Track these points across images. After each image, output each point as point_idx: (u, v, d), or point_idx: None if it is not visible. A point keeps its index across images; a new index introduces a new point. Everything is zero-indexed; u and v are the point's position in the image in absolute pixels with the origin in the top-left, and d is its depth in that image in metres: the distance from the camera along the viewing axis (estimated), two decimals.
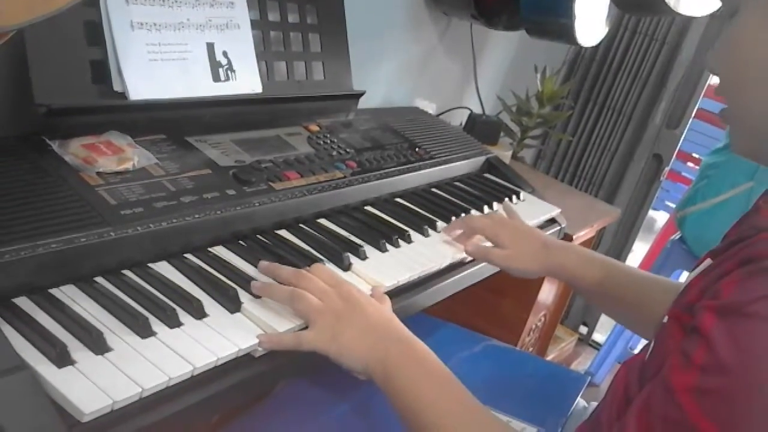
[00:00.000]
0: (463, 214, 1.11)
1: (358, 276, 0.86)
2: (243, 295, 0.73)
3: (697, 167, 2.42)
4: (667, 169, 2.34)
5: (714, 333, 0.51)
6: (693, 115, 2.29)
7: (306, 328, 0.72)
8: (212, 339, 0.65)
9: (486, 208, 1.19)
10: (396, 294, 0.89)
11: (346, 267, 0.87)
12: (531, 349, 1.57)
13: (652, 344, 0.63)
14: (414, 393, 0.68)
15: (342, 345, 0.70)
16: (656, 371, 0.58)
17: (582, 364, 2.28)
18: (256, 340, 0.68)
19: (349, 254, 0.89)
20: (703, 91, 2.24)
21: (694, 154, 3.14)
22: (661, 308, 0.71)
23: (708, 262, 0.63)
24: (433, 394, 0.68)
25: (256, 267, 0.80)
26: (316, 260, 0.85)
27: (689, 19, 2.11)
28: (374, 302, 0.75)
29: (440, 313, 1.08)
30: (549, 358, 1.79)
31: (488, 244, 1.01)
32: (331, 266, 0.86)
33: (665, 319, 0.62)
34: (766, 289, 0.50)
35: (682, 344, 0.54)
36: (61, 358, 0.57)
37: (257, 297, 0.74)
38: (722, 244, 0.63)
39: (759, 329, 0.49)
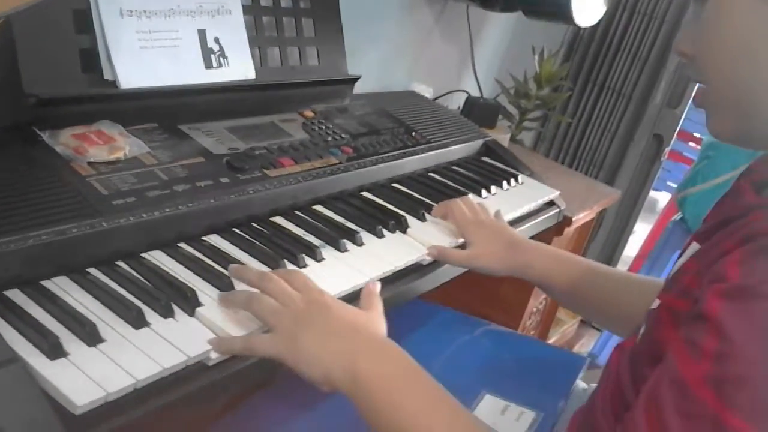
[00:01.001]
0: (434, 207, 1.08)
1: (354, 261, 0.86)
2: (238, 284, 0.73)
3: (698, 147, 2.41)
4: (667, 149, 2.32)
5: (725, 317, 0.48)
6: (693, 94, 2.27)
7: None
8: (207, 327, 0.65)
9: (484, 192, 1.18)
10: (393, 280, 0.88)
11: (342, 252, 0.87)
12: (533, 332, 1.56)
13: (642, 328, 0.62)
14: (391, 404, 0.60)
15: (299, 350, 0.63)
16: (647, 355, 0.57)
17: (585, 346, 2.28)
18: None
19: (346, 240, 0.89)
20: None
21: (695, 134, 3.11)
22: (640, 309, 0.70)
23: (695, 246, 0.62)
24: (414, 405, 0.60)
25: (251, 255, 0.80)
26: (311, 246, 0.84)
27: None
28: (348, 308, 0.68)
29: (440, 299, 1.08)
30: (551, 341, 1.79)
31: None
32: (328, 251, 0.85)
33: (656, 304, 0.61)
34: None
35: (686, 333, 0.51)
36: (54, 350, 0.56)
37: (252, 288, 0.71)
38: (707, 226, 0.62)
39: None
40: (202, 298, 0.69)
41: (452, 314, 1.04)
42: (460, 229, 0.98)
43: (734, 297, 0.49)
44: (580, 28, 2.21)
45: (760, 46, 0.56)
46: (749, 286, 0.49)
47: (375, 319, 0.69)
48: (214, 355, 0.63)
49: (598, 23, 1.78)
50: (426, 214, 1.03)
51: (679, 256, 0.67)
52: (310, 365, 0.63)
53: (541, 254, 0.94)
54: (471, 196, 1.14)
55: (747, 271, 0.50)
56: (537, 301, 1.47)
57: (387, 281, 0.87)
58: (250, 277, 0.71)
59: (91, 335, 0.59)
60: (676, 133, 2.32)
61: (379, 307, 0.71)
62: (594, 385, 0.93)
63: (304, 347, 0.63)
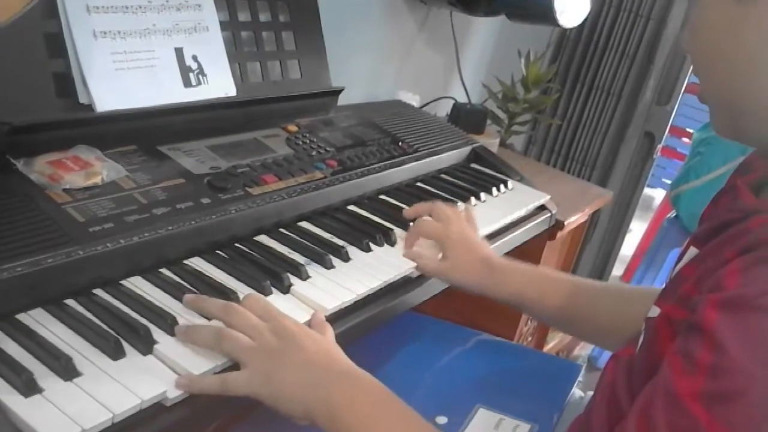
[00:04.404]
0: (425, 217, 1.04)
1: (341, 277, 0.84)
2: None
3: (690, 143, 2.39)
4: (659, 146, 2.32)
5: (720, 330, 0.47)
6: (683, 90, 2.27)
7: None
8: (187, 356, 0.63)
9: (473, 199, 1.17)
10: (383, 294, 0.87)
11: (329, 269, 0.85)
12: (530, 338, 1.55)
13: (641, 337, 0.60)
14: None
15: (277, 388, 0.62)
16: (646, 367, 0.56)
17: (585, 348, 2.27)
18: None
19: (332, 256, 0.87)
20: (692, 64, 2.21)
21: (688, 129, 3.11)
22: (629, 319, 0.68)
23: (693, 250, 0.60)
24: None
25: (234, 276, 0.78)
26: (296, 265, 0.82)
27: None
28: (313, 334, 0.67)
29: (433, 310, 1.06)
30: (550, 345, 1.77)
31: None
32: (314, 268, 0.84)
33: (655, 312, 0.60)
34: None
35: (681, 344, 0.50)
36: (28, 386, 0.55)
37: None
38: (704, 229, 0.60)
39: None
40: (182, 323, 0.67)
41: (444, 326, 1.02)
42: (437, 242, 0.94)
43: (731, 308, 0.47)
44: (565, 29, 2.21)
45: (737, 47, 0.56)
46: (747, 297, 0.47)
47: (334, 344, 0.69)
48: (170, 397, 0.60)
49: (584, 23, 1.77)
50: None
51: (677, 261, 0.66)
52: (291, 402, 0.62)
53: (517, 275, 0.90)
54: (460, 204, 1.13)
55: (746, 281, 0.48)
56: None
57: (377, 296, 0.86)
58: (212, 310, 0.68)
59: (66, 369, 0.57)
60: (667, 129, 2.31)
61: (331, 332, 0.71)
62: (591, 392, 0.91)
63: (282, 385, 0.62)
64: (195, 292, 0.72)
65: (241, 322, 0.65)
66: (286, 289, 0.78)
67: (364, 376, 0.65)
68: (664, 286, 0.64)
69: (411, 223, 0.98)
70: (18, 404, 0.54)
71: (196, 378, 0.61)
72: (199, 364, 0.63)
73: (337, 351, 0.67)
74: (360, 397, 0.63)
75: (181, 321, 0.67)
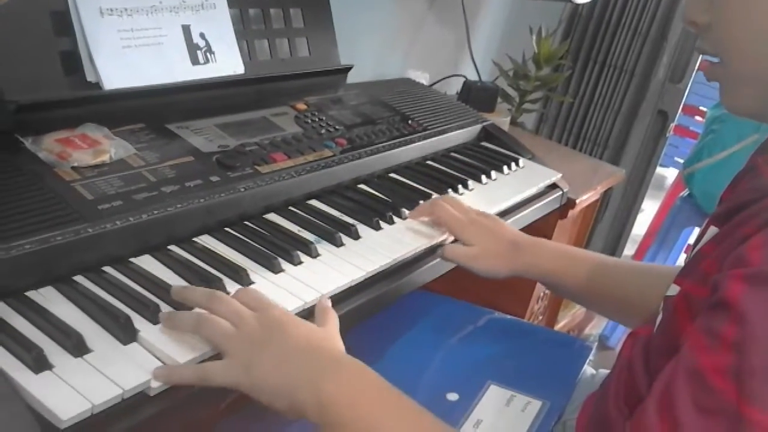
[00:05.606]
0: (434, 195, 1.04)
1: (351, 256, 0.84)
2: (229, 285, 0.71)
3: (704, 121, 2.37)
4: (672, 124, 2.29)
5: (746, 304, 0.46)
6: (696, 68, 2.23)
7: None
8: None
9: (484, 177, 1.16)
10: (392, 273, 0.86)
11: (339, 246, 0.85)
12: (541, 317, 1.54)
13: (659, 317, 0.60)
14: (364, 426, 0.57)
15: (257, 377, 0.58)
16: (663, 346, 0.55)
17: (596, 327, 2.26)
18: None
19: (342, 234, 0.87)
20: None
21: (701, 108, 3.07)
22: (655, 298, 0.67)
23: (713, 229, 0.59)
24: (388, 425, 0.57)
25: (244, 254, 0.78)
26: (306, 242, 0.82)
27: None
28: (304, 324, 0.63)
29: (444, 288, 1.06)
30: (561, 324, 1.77)
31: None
32: (323, 246, 0.83)
33: (674, 291, 0.59)
34: None
35: (704, 321, 0.49)
36: (38, 363, 0.55)
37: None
38: (723, 209, 0.59)
39: None
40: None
41: (455, 304, 1.02)
42: (454, 232, 0.91)
43: (756, 283, 0.46)
44: (577, 4, 2.17)
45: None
46: None
47: (332, 334, 0.64)
48: (153, 387, 0.57)
49: None
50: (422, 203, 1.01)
51: (697, 240, 0.64)
52: (274, 394, 0.58)
53: (546, 251, 0.89)
54: (471, 182, 1.12)
55: None
56: (544, 286, 1.44)
57: (386, 274, 0.85)
58: (197, 299, 0.64)
59: (77, 346, 0.57)
60: (680, 108, 2.28)
61: (334, 321, 0.66)
62: (603, 370, 0.91)
63: (263, 373, 0.58)
64: (205, 270, 0.72)
65: (225, 309, 0.62)
66: (295, 266, 0.78)
67: (356, 364, 0.60)
68: (684, 264, 0.63)
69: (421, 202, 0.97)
70: (28, 380, 0.54)
71: (175, 368, 0.58)
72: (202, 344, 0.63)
73: (330, 338, 0.63)
74: (353, 387, 0.58)
75: None
